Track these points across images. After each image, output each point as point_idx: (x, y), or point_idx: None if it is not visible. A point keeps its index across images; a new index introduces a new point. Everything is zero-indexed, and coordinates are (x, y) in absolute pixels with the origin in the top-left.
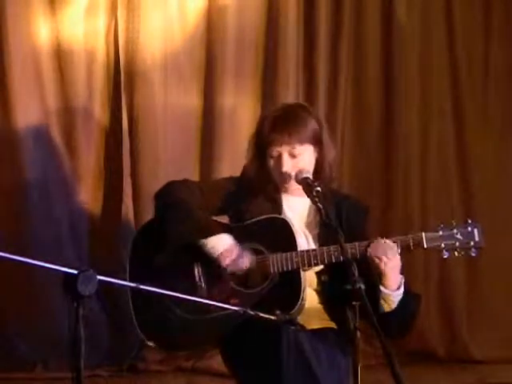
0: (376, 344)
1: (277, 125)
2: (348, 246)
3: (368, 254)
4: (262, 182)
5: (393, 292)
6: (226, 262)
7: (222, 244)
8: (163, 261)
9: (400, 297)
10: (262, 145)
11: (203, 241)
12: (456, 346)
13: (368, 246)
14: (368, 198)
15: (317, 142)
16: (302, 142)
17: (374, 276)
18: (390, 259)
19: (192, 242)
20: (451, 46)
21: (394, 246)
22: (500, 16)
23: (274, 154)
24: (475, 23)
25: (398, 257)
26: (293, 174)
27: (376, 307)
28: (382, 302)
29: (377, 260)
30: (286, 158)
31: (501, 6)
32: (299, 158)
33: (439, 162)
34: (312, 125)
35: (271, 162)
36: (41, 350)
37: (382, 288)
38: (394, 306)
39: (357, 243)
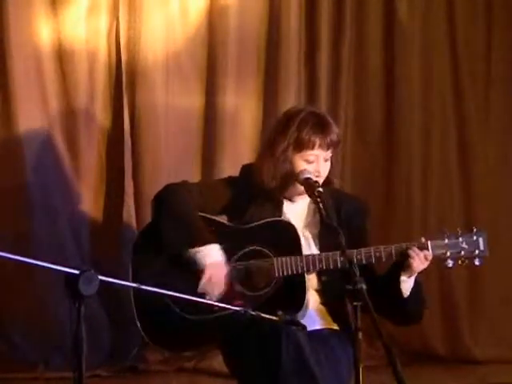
0: (378, 345)
1: (316, 129)
2: (354, 251)
3: (409, 252)
4: (274, 183)
5: (407, 278)
6: (204, 279)
7: (208, 257)
8: (165, 263)
9: (412, 284)
10: (296, 145)
11: (191, 250)
12: (457, 346)
13: (385, 251)
14: (369, 196)
15: (337, 146)
16: (332, 147)
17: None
18: (423, 264)
19: (183, 250)
20: (452, 45)
21: (431, 255)
22: (501, 14)
23: (311, 157)
24: (477, 22)
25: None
26: (322, 178)
27: (398, 294)
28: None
29: (412, 260)
30: (322, 162)
31: (502, 5)
32: (327, 163)
33: (441, 161)
34: (337, 129)
35: (301, 164)
36: (42, 350)
37: (402, 276)
38: (407, 292)
39: (362, 249)
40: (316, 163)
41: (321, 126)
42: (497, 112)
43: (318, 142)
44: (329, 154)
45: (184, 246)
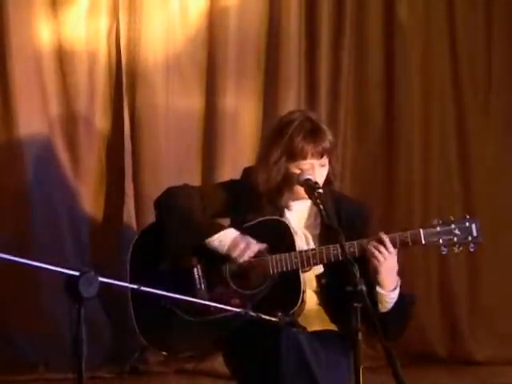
0: (377, 346)
1: (308, 139)
2: (347, 244)
3: (366, 251)
4: (270, 189)
5: (387, 293)
6: (236, 253)
7: (228, 237)
8: (163, 264)
9: (395, 299)
10: (289, 155)
11: (208, 239)
12: (457, 346)
13: (367, 243)
14: (369, 196)
15: (332, 152)
16: (327, 154)
17: (371, 275)
18: (386, 259)
19: (195, 244)
20: (452, 45)
21: (391, 246)
22: (501, 15)
23: (305, 166)
24: (477, 22)
25: (395, 258)
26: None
27: (375, 308)
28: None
29: (373, 259)
30: (317, 170)
31: (502, 5)
32: (323, 169)
33: (441, 161)
34: (331, 136)
35: (296, 172)
36: (43, 351)
37: (377, 288)
38: (388, 306)
39: (355, 241)
40: (311, 171)
41: (313, 134)
42: (497, 112)
43: (310, 151)
44: (324, 160)
45: (195, 240)
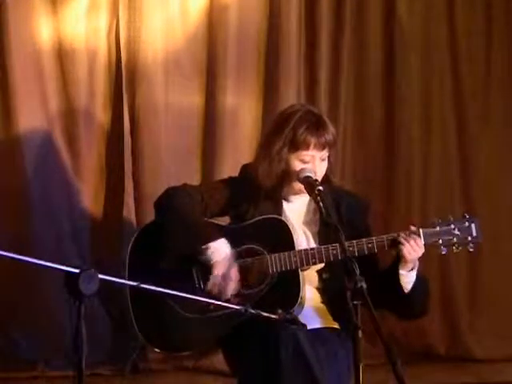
0: (378, 343)
1: (311, 129)
2: (346, 243)
3: (398, 239)
4: (270, 182)
5: (406, 273)
6: (212, 278)
7: (217, 254)
8: (162, 264)
9: (413, 278)
10: (291, 145)
11: (201, 248)
12: (457, 344)
13: (366, 242)
14: (369, 196)
15: (334, 146)
16: (328, 147)
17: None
18: (415, 251)
19: (193, 248)
20: (452, 45)
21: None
22: (501, 16)
23: (307, 158)
24: (476, 23)
25: (423, 250)
26: (319, 178)
27: (399, 289)
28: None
29: (403, 248)
30: (318, 162)
31: (502, 6)
32: (324, 163)
33: (441, 161)
34: (333, 129)
35: (297, 164)
36: (42, 349)
37: (400, 270)
38: (408, 287)
39: (355, 241)
40: (312, 163)
41: (316, 126)
42: (496, 111)
43: (312, 142)
44: (325, 153)
45: (191, 245)
